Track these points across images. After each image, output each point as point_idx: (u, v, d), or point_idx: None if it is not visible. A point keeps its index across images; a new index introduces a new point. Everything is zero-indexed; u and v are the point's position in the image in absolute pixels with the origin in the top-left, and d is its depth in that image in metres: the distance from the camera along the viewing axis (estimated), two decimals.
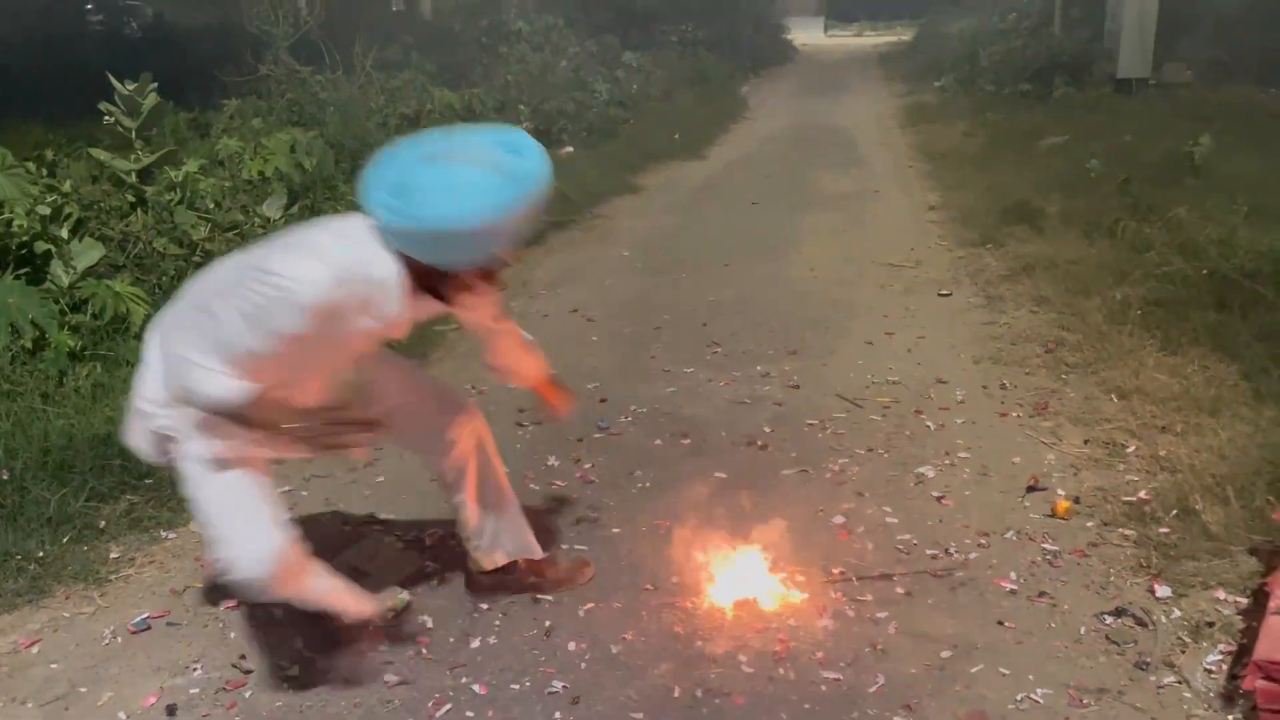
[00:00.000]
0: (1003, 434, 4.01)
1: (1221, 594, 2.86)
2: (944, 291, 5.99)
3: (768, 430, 4.07)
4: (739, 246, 7.21)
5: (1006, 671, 2.61)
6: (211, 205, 5.79)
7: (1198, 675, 2.57)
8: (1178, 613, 2.82)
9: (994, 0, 24.56)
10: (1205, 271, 5.30)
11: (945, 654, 2.69)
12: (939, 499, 3.50)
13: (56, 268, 4.72)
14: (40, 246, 4.76)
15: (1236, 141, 8.52)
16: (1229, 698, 2.47)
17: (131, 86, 6.10)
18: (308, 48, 11.26)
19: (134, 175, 5.81)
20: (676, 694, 2.55)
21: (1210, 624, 2.75)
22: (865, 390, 4.49)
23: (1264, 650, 2.40)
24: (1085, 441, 3.88)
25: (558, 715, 2.48)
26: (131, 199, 5.43)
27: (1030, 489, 3.55)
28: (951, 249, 6.96)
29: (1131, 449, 3.76)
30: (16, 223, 4.70)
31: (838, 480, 3.65)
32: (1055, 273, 5.91)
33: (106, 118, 6.21)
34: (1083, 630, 2.78)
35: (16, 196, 4.92)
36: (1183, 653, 2.66)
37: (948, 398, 4.40)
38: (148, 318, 4.69)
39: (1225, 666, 2.58)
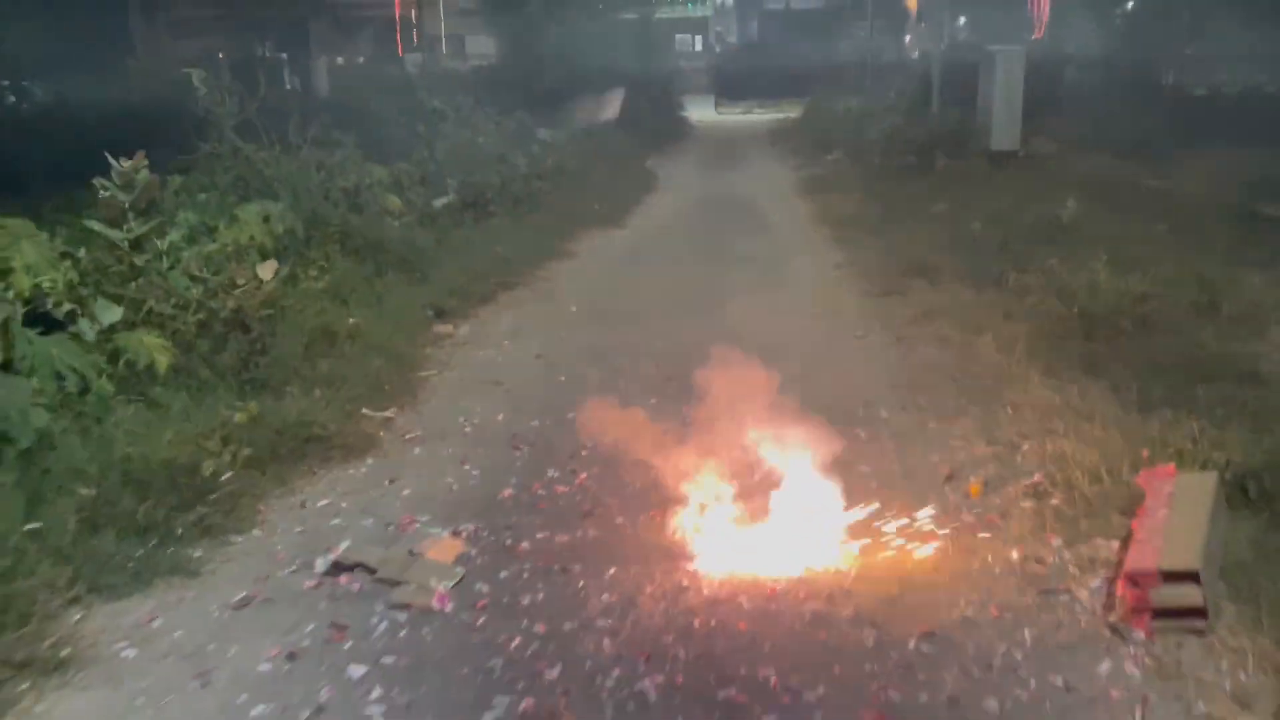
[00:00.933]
0: (922, 440, 4.86)
1: (1100, 541, 3.71)
2: (859, 334, 6.89)
3: (731, 442, 4.83)
4: (672, 303, 8.00)
5: (944, 599, 3.40)
6: (202, 270, 6.34)
7: (1085, 594, 3.40)
8: (1069, 555, 3.66)
9: (873, 82, 26.40)
10: (1076, 310, 6.31)
11: (896, 590, 3.47)
12: (876, 487, 4.31)
13: (83, 324, 5.24)
14: (65, 307, 5.29)
15: (1096, 204, 9.75)
16: (1109, 605, 3.30)
17: (127, 164, 6.64)
18: (242, 126, 11.84)
19: (126, 244, 6.34)
20: (696, 624, 3.27)
21: (1093, 561, 3.60)
22: (803, 411, 5.29)
23: (1131, 564, 3.24)
24: (989, 443, 4.75)
25: (607, 641, 3.18)
26: (131, 264, 5.97)
27: (948, 478, 4.39)
28: (860, 300, 7.89)
29: (1026, 447, 4.63)
30: (46, 285, 5.22)
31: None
32: (952, 317, 6.85)
33: (102, 192, 6.73)
34: (998, 571, 3.60)
35: (42, 262, 5.44)
36: (1074, 581, 3.49)
37: (873, 415, 5.24)
38: (171, 365, 5.25)
39: (1106, 587, 3.41)
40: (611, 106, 24.13)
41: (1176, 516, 3.42)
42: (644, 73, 29.18)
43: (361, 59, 37.32)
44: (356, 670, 3.09)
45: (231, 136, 10.66)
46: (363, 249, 8.54)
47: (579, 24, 28.22)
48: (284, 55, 44.62)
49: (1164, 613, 3.17)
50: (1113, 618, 3.25)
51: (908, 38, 47.15)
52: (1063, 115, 17.61)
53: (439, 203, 11.77)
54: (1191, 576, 3.13)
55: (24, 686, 3.00)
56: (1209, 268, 7.14)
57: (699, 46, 45.89)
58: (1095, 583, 3.46)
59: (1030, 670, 3.02)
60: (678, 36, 43.15)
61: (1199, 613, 3.14)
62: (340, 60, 34.48)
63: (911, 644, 3.16)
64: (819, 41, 43.58)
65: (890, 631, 3.22)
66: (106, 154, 6.67)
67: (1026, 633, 3.21)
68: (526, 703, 2.90)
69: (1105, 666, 3.02)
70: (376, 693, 2.98)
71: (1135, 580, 3.20)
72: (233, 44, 40.86)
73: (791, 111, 29.27)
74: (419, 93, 18.76)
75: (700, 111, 32.76)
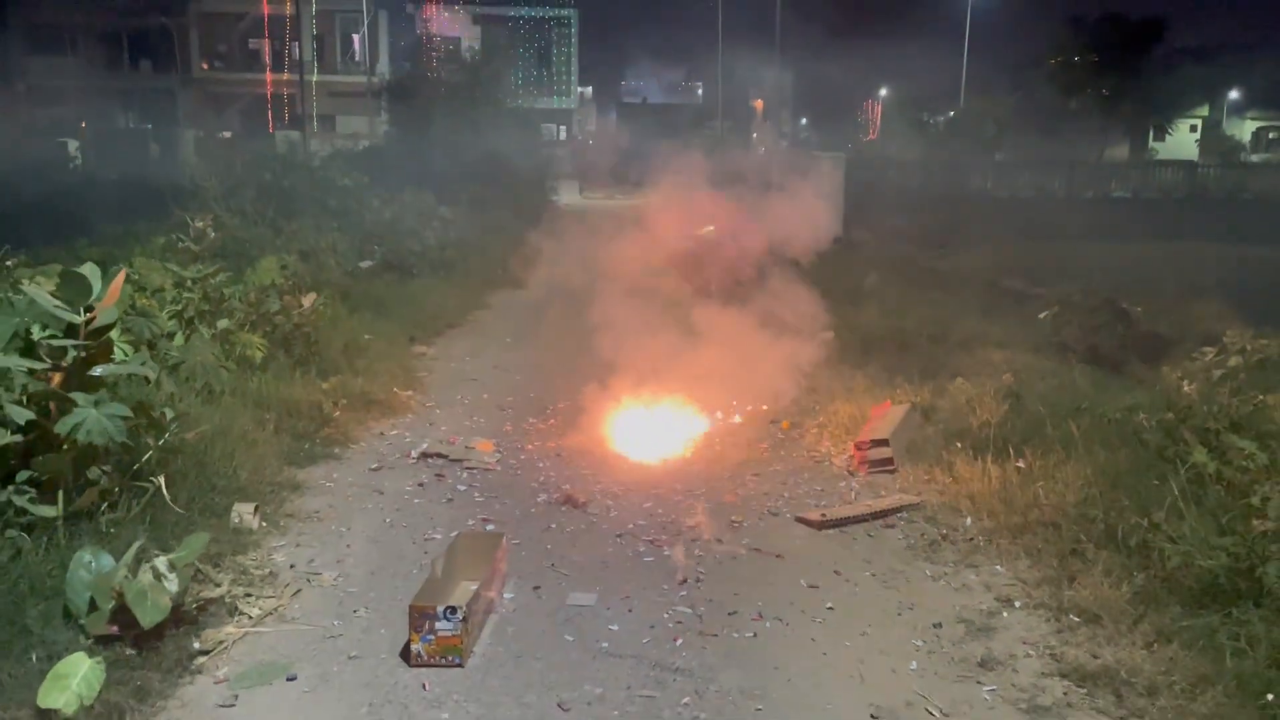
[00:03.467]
0: (755, 405, 7.87)
1: (850, 442, 6.75)
2: None
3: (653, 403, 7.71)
4: (580, 332, 10.87)
5: (769, 465, 6.38)
6: (255, 298, 8.89)
7: (839, 462, 6.44)
8: (834, 449, 6.71)
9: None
10: (859, 337, 9.51)
11: (743, 458, 6.43)
12: (731, 428, 7.27)
13: (203, 330, 7.78)
14: (188, 314, 7.82)
15: (893, 278, 13.22)
16: (850, 464, 6.34)
17: (200, 223, 9.17)
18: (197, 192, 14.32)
19: (192, 281, 8.86)
20: (638, 477, 6.14)
21: (845, 450, 6.63)
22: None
23: (860, 435, 6.30)
24: (795, 405, 7.79)
25: (592, 477, 6.02)
26: (221, 292, 8.50)
27: (771, 421, 7.42)
28: None
29: (817, 406, 7.70)
30: (184, 300, 7.76)
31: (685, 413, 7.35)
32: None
33: (180, 242, 9.21)
34: (794, 455, 6.62)
35: (165, 284, 7.96)
36: (835, 457, 6.53)
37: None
38: (265, 358, 7.81)
39: (848, 458, 6.45)
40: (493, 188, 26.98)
41: (884, 421, 6.52)
42: (519, 158, 32.33)
43: (229, 133, 39.10)
44: (461, 487, 5.86)
45: (215, 206, 13.15)
46: (340, 293, 11.17)
47: (460, 112, 31.07)
48: (149, 125, 45.79)
49: (874, 463, 6.23)
50: (850, 469, 6.30)
51: (754, 134, 52.00)
52: (882, 209, 21.53)
53: (364, 264, 14.38)
54: (884, 442, 6.21)
55: (286, 493, 5.62)
56: (950, 315, 10.51)
57: (563, 136, 49.60)
58: (844, 457, 6.51)
59: (809, 486, 6.04)
60: (544, 126, 46.68)
61: (890, 461, 6.21)
62: (200, 133, 36.16)
63: (749, 476, 6.13)
64: (673, 135, 47.66)
65: (740, 471, 6.20)
66: (186, 216, 9.20)
67: (808, 475, 6.24)
68: (557, 494, 5.71)
69: (843, 485, 6.07)
70: (477, 495, 5.77)
71: (859, 446, 6.27)
72: (95, 112, 41.92)
73: (649, 197, 32.67)
74: (330, 170, 21.33)
75: (567, 196, 36.06)
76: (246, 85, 45.61)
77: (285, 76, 44.56)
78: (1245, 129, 54.26)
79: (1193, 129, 53.12)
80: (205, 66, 46.42)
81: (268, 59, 45.54)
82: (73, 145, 37.22)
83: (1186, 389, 6.07)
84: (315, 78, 44.46)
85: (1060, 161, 34.88)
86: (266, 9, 43.80)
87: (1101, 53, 44.16)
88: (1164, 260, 17.34)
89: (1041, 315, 9.64)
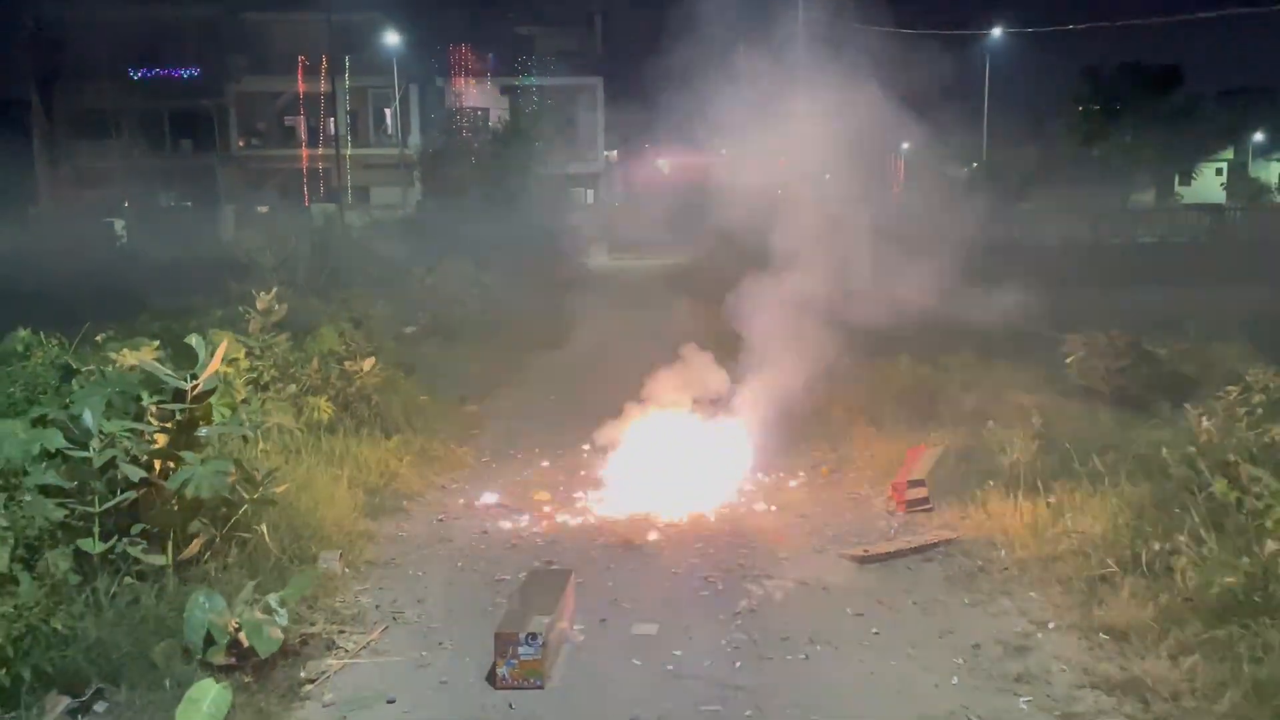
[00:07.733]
0: (797, 453, 8.25)
1: (887, 482, 7.12)
2: None
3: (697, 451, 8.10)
4: (619, 388, 11.28)
5: (811, 504, 6.75)
6: (314, 367, 9.40)
7: (878, 502, 6.81)
8: (872, 489, 7.07)
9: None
10: (891, 389, 9.89)
11: (787, 501, 6.81)
12: (775, 472, 7.66)
13: (274, 394, 8.29)
14: (262, 381, 8.33)
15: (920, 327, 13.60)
16: (888, 504, 6.70)
17: (268, 297, 9.72)
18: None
19: (260, 349, 9.40)
20: (688, 519, 6.54)
21: (882, 490, 7.00)
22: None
23: (895, 480, 6.67)
24: (834, 451, 8.17)
25: (644, 521, 6.42)
26: (287, 360, 9.01)
27: (813, 467, 7.80)
28: None
29: (854, 453, 8.07)
30: (258, 368, 8.27)
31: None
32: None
33: (247, 316, 9.77)
34: (836, 496, 7.00)
35: (239, 355, 8.49)
36: (873, 498, 6.90)
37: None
38: (331, 418, 8.29)
39: (886, 498, 6.82)
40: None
41: (920, 463, 6.88)
42: (551, 223, 33.12)
43: (266, 207, 40.11)
44: (522, 534, 6.27)
45: (268, 279, 13.73)
46: (393, 357, 11.69)
47: (491, 180, 31.94)
48: (189, 203, 47.00)
49: (911, 502, 6.59)
50: (888, 509, 6.67)
51: (779, 190, 52.62)
52: (909, 259, 21.84)
53: (409, 329, 14.94)
54: (921, 483, 6.57)
55: (363, 542, 6.06)
56: (979, 365, 10.86)
57: (591, 199, 50.62)
58: (883, 498, 6.88)
59: (850, 526, 6.41)
60: (573, 190, 47.68)
61: (926, 500, 6.57)
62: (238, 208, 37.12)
63: (794, 516, 6.52)
64: (697, 196, 48.31)
65: (784, 512, 6.57)
66: (250, 289, 9.78)
67: (850, 515, 6.63)
68: (614, 538, 6.12)
69: (882, 523, 6.44)
70: (539, 540, 6.18)
71: (896, 488, 6.64)
72: (138, 191, 43.16)
73: (678, 258, 33.31)
74: (372, 240, 22.10)
75: (595, 258, 36.82)
76: (283, 160, 46.86)
77: (320, 151, 45.78)
78: (1272, 171, 54.39)
79: (1218, 172, 53.30)
80: (243, 144, 47.70)
81: (303, 135, 46.76)
82: (118, 224, 38.38)
83: (1207, 425, 6.39)
84: (349, 151, 45.67)
85: (1085, 209, 35.21)
86: (302, 87, 45.19)
87: (1122, 100, 44.67)
88: (1191, 304, 17.59)
89: (1068, 360, 9.97)
